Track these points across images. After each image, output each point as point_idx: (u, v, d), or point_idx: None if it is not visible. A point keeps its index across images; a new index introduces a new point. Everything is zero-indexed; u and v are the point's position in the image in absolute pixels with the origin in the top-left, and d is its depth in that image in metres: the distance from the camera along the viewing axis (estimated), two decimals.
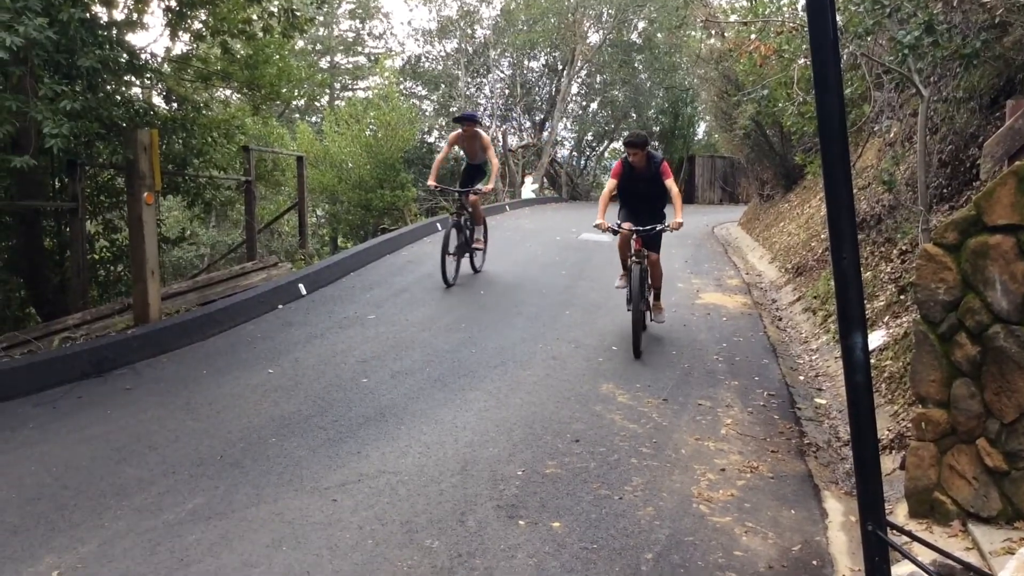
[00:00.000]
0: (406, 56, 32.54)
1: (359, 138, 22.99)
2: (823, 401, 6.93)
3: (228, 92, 15.49)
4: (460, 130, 11.03)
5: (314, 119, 31.01)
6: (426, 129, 29.28)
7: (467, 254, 11.23)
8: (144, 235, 8.75)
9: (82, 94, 8.44)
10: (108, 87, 9.87)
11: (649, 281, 8.41)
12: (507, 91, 31.08)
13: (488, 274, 11.70)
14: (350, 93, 34.06)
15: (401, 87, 29.83)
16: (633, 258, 8.12)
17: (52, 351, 7.88)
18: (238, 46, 12.21)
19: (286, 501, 4.75)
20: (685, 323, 9.43)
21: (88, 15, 8.80)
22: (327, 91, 33.15)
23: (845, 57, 9.12)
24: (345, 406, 6.42)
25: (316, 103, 31.10)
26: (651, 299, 8.68)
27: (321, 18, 32.07)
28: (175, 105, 11.88)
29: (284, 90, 14.66)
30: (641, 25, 30.67)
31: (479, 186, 10.96)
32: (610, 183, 8.40)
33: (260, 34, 11.59)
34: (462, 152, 11.70)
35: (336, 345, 8.06)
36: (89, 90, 8.84)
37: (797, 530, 4.64)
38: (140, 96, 11.40)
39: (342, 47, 35.94)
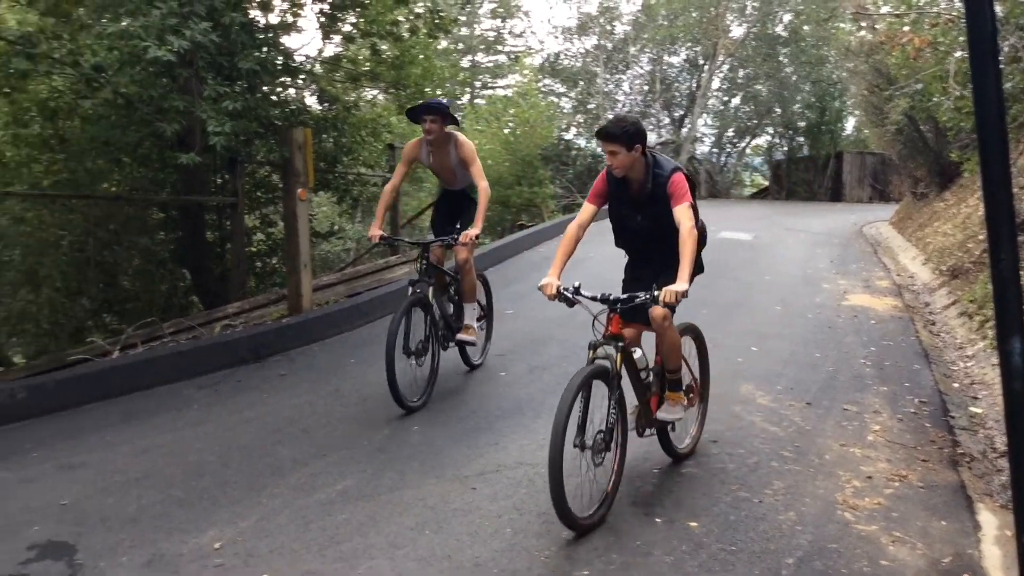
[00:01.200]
0: (545, 54, 32.68)
1: (498, 135, 23.29)
2: (979, 410, 6.58)
3: (375, 92, 16.01)
4: (420, 137, 6.58)
5: (458, 116, 31.58)
6: (564, 126, 29.36)
7: (445, 347, 6.68)
8: (298, 229, 9.16)
9: (242, 95, 8.92)
10: (265, 88, 10.39)
11: (653, 367, 5.02)
12: (646, 87, 30.79)
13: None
14: (490, 91, 34.53)
15: (539, 85, 30.01)
16: (600, 351, 4.47)
17: (214, 337, 8.39)
18: (385, 47, 12.59)
19: (428, 487, 4.91)
20: (831, 325, 9.13)
21: (247, 19, 9.29)
22: (468, 89, 33.74)
23: (1006, 50, 8.61)
24: (483, 398, 6.56)
25: (457, 101, 31.70)
26: (662, 402, 5.04)
27: (464, 18, 32.66)
28: (327, 105, 12.37)
29: (428, 89, 15.06)
30: (787, 18, 29.76)
31: (464, 233, 6.29)
32: (583, 210, 4.83)
33: (406, 35, 11.92)
34: (432, 171, 7.07)
35: (503, 327, 8.23)
36: (248, 91, 9.34)
37: (948, 542, 4.44)
38: (294, 96, 11.94)
39: (483, 46, 36.50)
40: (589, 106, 29.86)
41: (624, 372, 4.61)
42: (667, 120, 31.75)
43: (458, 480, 5.01)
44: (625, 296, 4.54)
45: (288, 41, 10.70)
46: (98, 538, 4.30)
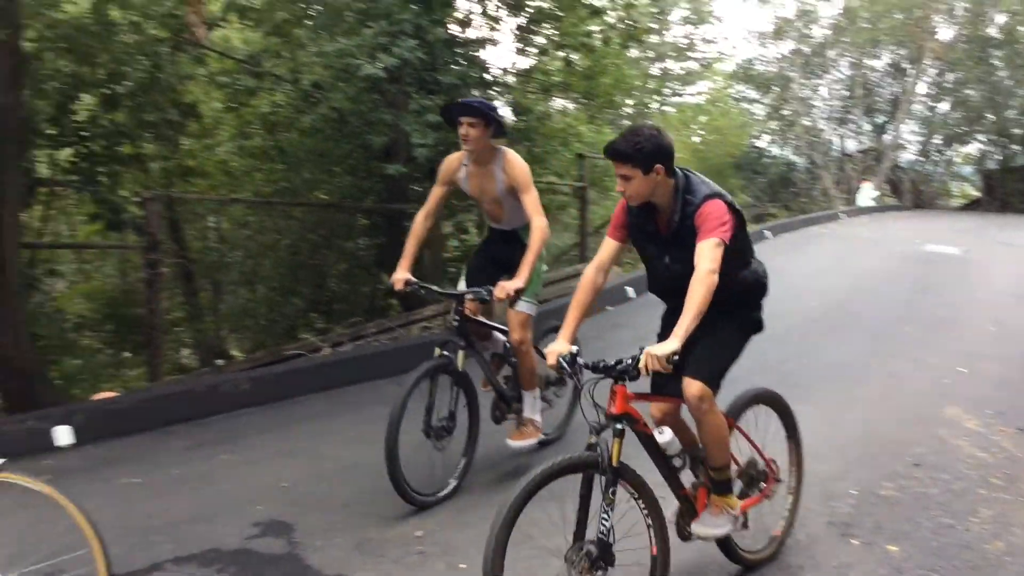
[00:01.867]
0: (738, 59, 32.01)
1: (687, 144, 23.10)
2: None
3: (565, 102, 16.30)
4: (457, 149, 5.04)
5: (646, 123, 31.44)
6: (756, 133, 28.66)
7: (498, 421, 5.31)
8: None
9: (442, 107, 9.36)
10: (461, 100, 10.83)
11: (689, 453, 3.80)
12: (845, 92, 29.55)
13: (821, 286, 11.25)
14: (679, 98, 34.20)
15: (731, 91, 29.45)
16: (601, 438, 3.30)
17: (412, 338, 8.86)
18: (577, 58, 12.82)
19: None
20: None
21: (449, 35, 9.75)
22: (657, 97, 33.56)
23: None
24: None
25: (646, 109, 31.63)
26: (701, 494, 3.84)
27: (655, 26, 32.52)
28: (520, 116, 12.73)
29: (618, 98, 15.20)
30: (1001, 19, 27.73)
31: (500, 286, 4.70)
32: (602, 247, 3.79)
33: (600, 46, 12.09)
34: (473, 199, 5.44)
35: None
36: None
37: None
38: None
39: (673, 52, 36.17)
40: (783, 112, 29.00)
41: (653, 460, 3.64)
42: (868, 127, 30.34)
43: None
44: (605, 363, 3.28)
45: (484, 55, 11.10)
46: (313, 519, 4.68)
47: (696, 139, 23.30)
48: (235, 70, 10.11)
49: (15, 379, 6.75)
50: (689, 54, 36.78)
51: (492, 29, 11.58)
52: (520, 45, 11.90)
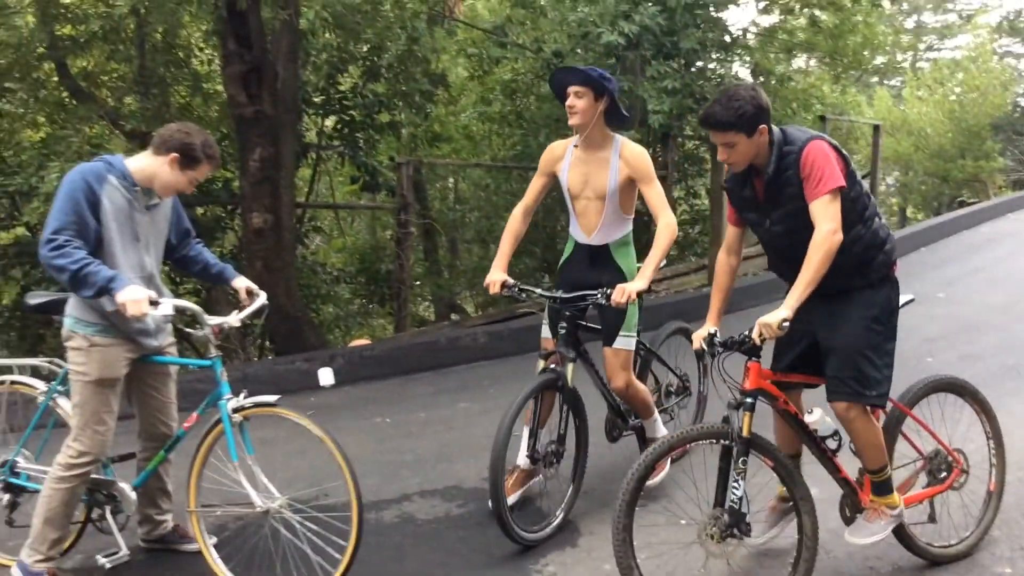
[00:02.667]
0: (1004, 11, 29.16)
1: (942, 104, 21.47)
2: None
3: (808, 62, 15.68)
4: (567, 140, 4.26)
5: (895, 82, 29.58)
6: (1022, 91, 26.08)
7: (615, 439, 4.59)
8: (723, 203, 9.47)
9: (679, 72, 9.37)
10: (700, 63, 10.76)
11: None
12: None
13: None
14: (936, 54, 31.71)
15: (994, 45, 26.90)
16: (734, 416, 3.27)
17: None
18: (824, 16, 12.29)
19: None
20: None
21: None
22: (910, 53, 31.32)
23: None
24: (905, 384, 6.36)
25: (898, 67, 29.62)
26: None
27: None
28: (760, 78, 12.43)
29: (866, 56, 14.42)
30: None
31: (619, 288, 3.82)
32: (728, 232, 3.67)
33: (848, 3, 11.55)
34: (568, 195, 4.23)
35: (901, 322, 7.91)
36: (685, 68, 9.77)
37: None
38: (726, 70, 12.15)
39: (930, 5, 33.52)
40: None
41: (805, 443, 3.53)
42: None
43: None
44: (732, 339, 3.19)
45: (726, 15, 10.92)
46: None
47: (952, 98, 21.55)
48: (482, 40, 10.60)
49: (286, 324, 7.60)
50: (948, 6, 33.92)
51: None
52: (764, 3, 11.60)
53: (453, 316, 9.46)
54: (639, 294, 3.83)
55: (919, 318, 8.02)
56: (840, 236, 3.10)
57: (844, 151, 3.27)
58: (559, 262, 4.45)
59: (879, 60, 18.74)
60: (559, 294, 4.08)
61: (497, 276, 4.09)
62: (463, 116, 12.48)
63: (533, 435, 4.12)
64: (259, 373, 6.72)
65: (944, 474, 3.81)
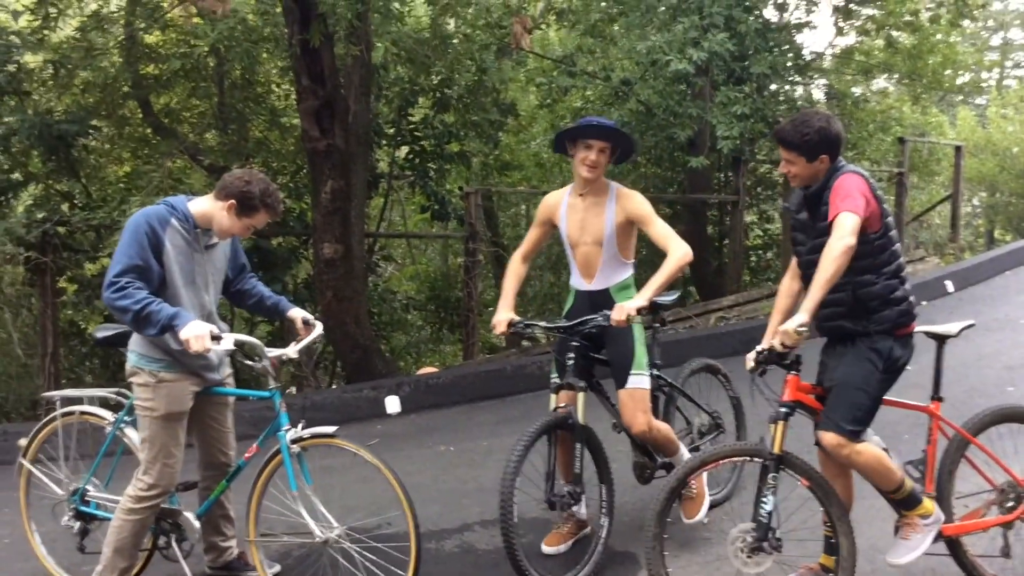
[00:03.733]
0: None
1: None
2: None
3: (886, 84, 15.34)
4: (564, 188, 4.24)
5: (980, 100, 28.74)
6: None
7: (646, 480, 4.28)
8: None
9: (750, 96, 9.28)
10: (773, 86, 10.64)
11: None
12: None
13: None
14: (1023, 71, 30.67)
15: None
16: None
17: (709, 328, 8.93)
18: (902, 37, 12.03)
19: None
20: None
21: (761, 23, 9.60)
22: (996, 71, 30.36)
23: None
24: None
25: (982, 85, 28.77)
26: None
27: None
28: (834, 100, 12.22)
29: (947, 76, 14.06)
30: None
31: (619, 307, 3.76)
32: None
33: (927, 24, 11.30)
34: (567, 243, 4.16)
35: (982, 348, 7.65)
36: (756, 92, 9.67)
37: None
38: (801, 93, 12.00)
39: (1018, 21, 32.46)
40: None
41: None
42: None
43: None
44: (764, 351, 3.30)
45: (799, 38, 10.81)
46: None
47: None
48: (551, 70, 10.69)
49: (355, 353, 7.73)
50: None
51: (809, 11, 11.25)
52: (839, 25, 11.43)
53: (524, 343, 9.47)
54: (639, 312, 3.74)
55: (1001, 345, 7.73)
56: (851, 242, 3.12)
57: (882, 199, 3.36)
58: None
59: (961, 79, 18.20)
60: (561, 323, 4.02)
61: (503, 316, 4.05)
62: (533, 144, 12.57)
63: (550, 478, 3.94)
64: (327, 401, 6.84)
65: (1012, 504, 3.66)
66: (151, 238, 3.32)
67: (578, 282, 4.16)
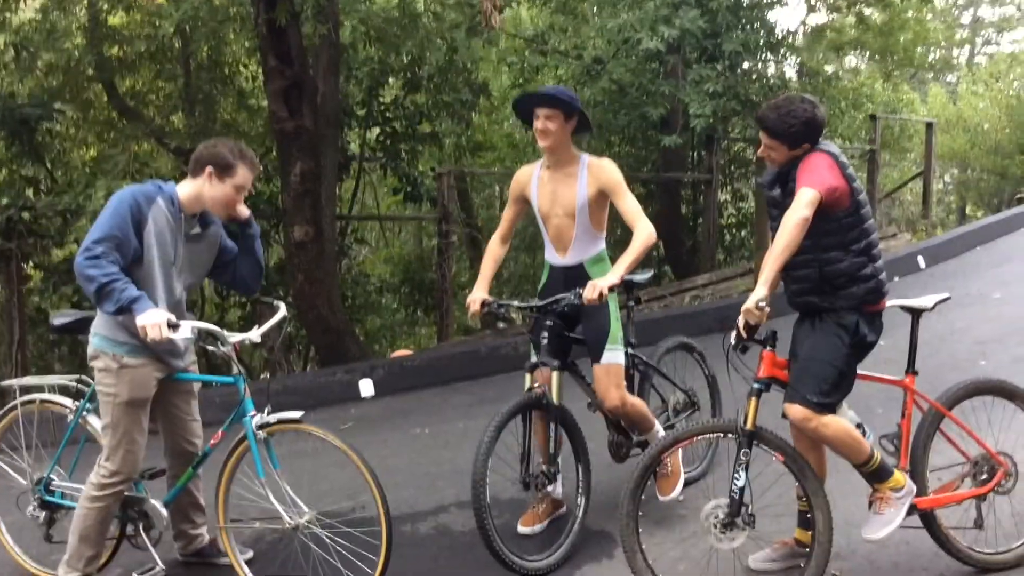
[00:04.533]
0: None
1: (999, 99, 20.92)
2: None
3: (857, 61, 15.41)
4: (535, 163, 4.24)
5: (950, 78, 28.97)
6: None
7: (621, 459, 4.31)
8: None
9: (723, 74, 9.25)
10: (746, 65, 10.62)
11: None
12: None
13: None
14: (994, 48, 30.90)
15: None
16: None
17: (683, 307, 8.94)
18: (873, 14, 12.06)
19: None
20: None
21: (733, 0, 9.57)
22: (967, 48, 30.57)
23: None
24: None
25: (953, 62, 28.97)
26: None
27: None
28: (806, 78, 12.24)
29: (919, 53, 14.13)
30: None
31: (592, 284, 3.71)
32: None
33: (898, 1, 11.33)
34: (539, 216, 4.16)
35: (954, 323, 7.71)
36: (729, 70, 9.65)
37: None
38: (773, 72, 11.99)
39: None
40: None
41: None
42: None
43: None
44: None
45: (771, 16, 10.79)
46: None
47: (1011, 92, 20.99)
48: (523, 49, 10.61)
49: (328, 336, 7.67)
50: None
51: None
52: (811, 3, 11.44)
53: (500, 324, 9.43)
54: (611, 289, 3.73)
55: (972, 319, 7.79)
56: (806, 215, 3.12)
57: (853, 177, 3.33)
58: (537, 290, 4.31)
59: (932, 57, 18.30)
60: (534, 302, 4.01)
61: (477, 295, 4.06)
62: (506, 124, 12.50)
63: (525, 459, 3.89)
64: (300, 385, 6.78)
65: (985, 477, 3.68)
66: (135, 212, 3.26)
67: (552, 256, 4.14)
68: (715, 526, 3.30)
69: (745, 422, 3.29)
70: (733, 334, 3.28)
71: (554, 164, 4.02)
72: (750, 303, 3.11)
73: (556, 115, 3.88)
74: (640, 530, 3.39)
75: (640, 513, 3.39)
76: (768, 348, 3.34)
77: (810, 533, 3.37)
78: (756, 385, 3.32)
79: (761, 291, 3.11)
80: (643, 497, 3.39)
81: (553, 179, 4.02)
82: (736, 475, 3.28)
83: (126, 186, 3.63)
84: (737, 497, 3.28)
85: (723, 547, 3.32)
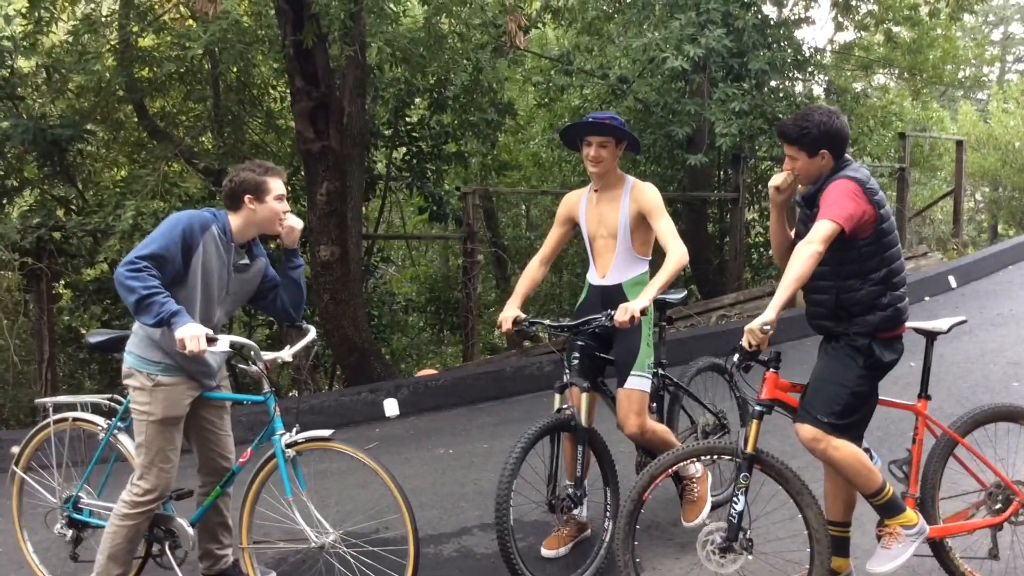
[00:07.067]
0: None
1: None
2: None
3: (885, 79, 15.30)
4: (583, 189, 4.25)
5: (981, 95, 28.69)
6: None
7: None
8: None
9: (749, 93, 9.21)
10: (772, 83, 10.59)
11: None
12: None
13: None
14: None
15: None
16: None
17: (710, 327, 8.88)
18: (901, 32, 12.00)
19: None
20: None
21: (760, 19, 9.54)
22: (997, 66, 30.30)
23: None
24: None
25: (984, 80, 28.70)
26: None
27: None
28: (834, 96, 12.17)
29: (948, 71, 14.02)
30: None
31: (623, 307, 3.66)
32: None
33: (926, 19, 11.25)
34: (587, 238, 4.21)
35: (985, 344, 7.59)
36: (756, 88, 9.61)
37: None
38: (800, 90, 11.94)
39: (1018, 16, 32.40)
40: None
41: None
42: None
43: None
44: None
45: (798, 34, 10.77)
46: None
47: None
48: (548, 69, 10.65)
49: (353, 355, 7.67)
50: None
51: (808, 7, 11.21)
52: (839, 20, 11.40)
53: (525, 344, 9.42)
54: (643, 312, 3.70)
55: (1005, 340, 7.67)
56: (818, 249, 3.10)
57: (882, 203, 3.27)
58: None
59: (963, 74, 18.12)
60: (566, 322, 4.02)
61: (509, 313, 4.04)
62: (532, 143, 12.52)
63: (551, 481, 3.88)
64: (325, 405, 6.79)
65: (1000, 507, 3.58)
66: (187, 237, 3.32)
67: (592, 276, 4.18)
68: (713, 552, 3.25)
69: (746, 444, 3.23)
70: (736, 354, 3.23)
71: (602, 187, 4.07)
72: (755, 324, 3.08)
73: (609, 142, 3.94)
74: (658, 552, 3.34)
75: (635, 543, 3.36)
76: (771, 370, 3.30)
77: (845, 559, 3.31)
78: (758, 407, 3.26)
79: (769, 314, 3.07)
80: (638, 527, 3.36)
81: (600, 201, 4.07)
82: (735, 499, 3.22)
83: (181, 211, 3.67)
84: (735, 521, 3.21)
85: (722, 572, 3.26)
